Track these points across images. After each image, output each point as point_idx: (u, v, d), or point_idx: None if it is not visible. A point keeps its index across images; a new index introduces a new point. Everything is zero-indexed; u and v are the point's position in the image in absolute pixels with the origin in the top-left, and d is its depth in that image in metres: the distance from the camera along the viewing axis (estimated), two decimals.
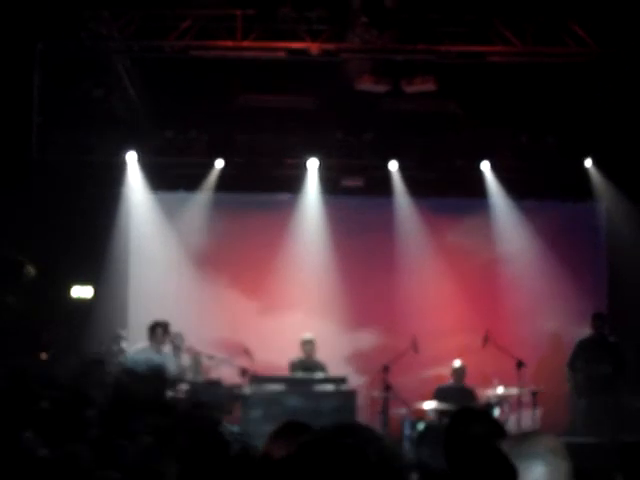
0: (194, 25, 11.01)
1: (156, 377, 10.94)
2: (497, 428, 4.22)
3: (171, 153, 13.61)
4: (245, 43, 11.04)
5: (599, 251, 14.24)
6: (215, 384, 11.20)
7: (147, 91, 12.64)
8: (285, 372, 12.02)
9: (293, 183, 13.89)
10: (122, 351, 12.25)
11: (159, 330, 11.38)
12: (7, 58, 10.65)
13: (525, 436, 3.27)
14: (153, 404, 10.44)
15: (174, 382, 11.11)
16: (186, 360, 12.15)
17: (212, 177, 13.78)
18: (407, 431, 11.13)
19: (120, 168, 13.52)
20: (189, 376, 11.80)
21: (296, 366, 12.11)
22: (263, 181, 13.79)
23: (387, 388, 11.45)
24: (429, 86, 11.80)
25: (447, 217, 14.01)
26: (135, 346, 11.56)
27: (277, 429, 4.20)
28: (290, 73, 12.05)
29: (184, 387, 11.15)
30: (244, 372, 11.21)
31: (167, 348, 11.60)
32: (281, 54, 11.21)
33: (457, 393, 12.04)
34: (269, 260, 13.66)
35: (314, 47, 11.09)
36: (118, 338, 12.67)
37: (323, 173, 13.89)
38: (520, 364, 11.67)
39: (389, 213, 13.98)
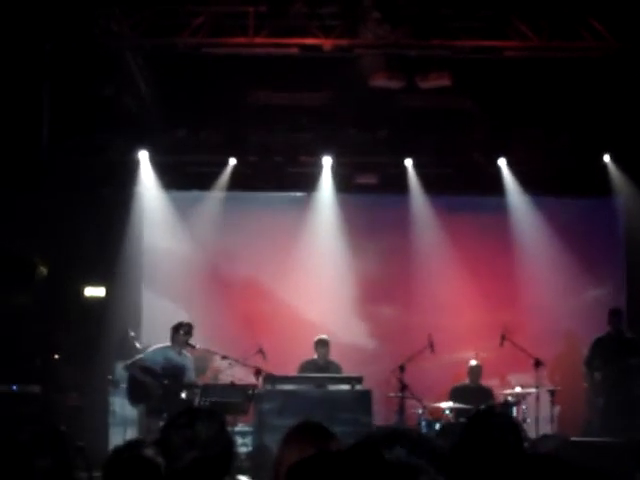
0: (206, 22, 10.93)
1: (172, 377, 10.88)
2: (514, 428, 4.13)
3: (184, 151, 13.57)
4: (257, 40, 10.95)
5: (617, 247, 14.11)
6: (228, 386, 11.11)
7: (159, 89, 12.56)
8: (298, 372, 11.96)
9: (307, 181, 13.82)
10: (136, 350, 12.19)
11: (182, 331, 11.28)
12: (18, 56, 10.59)
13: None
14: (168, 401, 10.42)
15: (191, 384, 11.04)
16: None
17: (225, 175, 13.70)
18: (424, 431, 11.05)
19: (133, 167, 13.48)
20: (207, 377, 11.75)
21: (307, 368, 11.99)
22: (277, 179, 13.73)
23: (403, 387, 11.36)
24: (444, 81, 11.68)
25: (463, 214, 13.88)
26: (156, 345, 11.47)
27: (291, 430, 4.09)
28: (303, 70, 11.95)
29: (198, 390, 11.07)
30: (258, 372, 11.12)
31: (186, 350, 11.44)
32: (294, 50, 11.12)
33: (474, 392, 11.94)
34: (283, 258, 13.59)
35: (327, 43, 11.00)
36: (128, 338, 12.61)
37: (337, 170, 13.81)
38: (538, 363, 11.56)
39: (404, 210, 13.88)
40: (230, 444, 3.54)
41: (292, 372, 11.86)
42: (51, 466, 3.49)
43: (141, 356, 11.36)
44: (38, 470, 3.50)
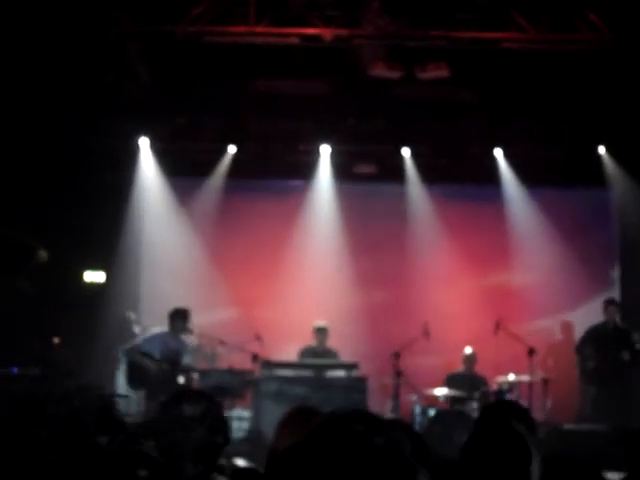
0: (207, 10, 10.98)
1: (170, 362, 10.99)
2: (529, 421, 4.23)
3: (183, 139, 13.63)
4: (258, 29, 10.99)
5: (612, 238, 14.20)
6: (226, 370, 11.24)
7: (159, 76, 12.62)
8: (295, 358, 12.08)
9: (305, 169, 13.88)
10: (133, 335, 12.31)
11: (179, 317, 11.38)
12: (20, 42, 10.64)
13: None
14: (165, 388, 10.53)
15: (187, 369, 11.15)
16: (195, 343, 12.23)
17: (224, 163, 13.79)
18: (418, 417, 11.18)
19: (133, 153, 13.55)
20: (204, 362, 11.87)
21: (306, 354, 12.12)
22: (275, 167, 13.80)
23: (398, 374, 11.48)
24: (442, 72, 11.75)
25: (460, 204, 13.97)
26: (153, 330, 11.58)
27: (286, 415, 4.20)
28: (303, 59, 12.02)
29: (196, 375, 11.19)
30: (255, 357, 11.24)
31: (184, 335, 11.56)
32: (294, 40, 11.16)
33: (468, 380, 12.05)
34: (281, 246, 13.67)
35: (327, 33, 11.04)
36: (128, 322, 12.72)
37: (335, 159, 13.88)
38: (531, 351, 11.67)
39: (401, 200, 13.97)
40: (218, 424, 3.57)
41: (290, 358, 11.98)
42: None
43: (139, 341, 11.47)
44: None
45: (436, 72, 11.76)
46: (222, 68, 12.32)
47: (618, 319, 12.64)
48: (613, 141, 13.48)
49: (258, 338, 11.73)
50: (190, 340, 11.78)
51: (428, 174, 13.83)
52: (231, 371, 11.15)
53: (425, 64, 11.69)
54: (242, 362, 11.50)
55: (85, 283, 13.59)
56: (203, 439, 3.47)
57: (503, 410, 4.26)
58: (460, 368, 12.44)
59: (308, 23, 11.06)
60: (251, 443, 10.50)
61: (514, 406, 4.57)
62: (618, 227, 14.16)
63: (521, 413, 4.28)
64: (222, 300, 13.66)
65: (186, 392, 3.97)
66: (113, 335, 12.66)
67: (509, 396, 11.31)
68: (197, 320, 12.03)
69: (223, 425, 3.65)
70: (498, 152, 13.77)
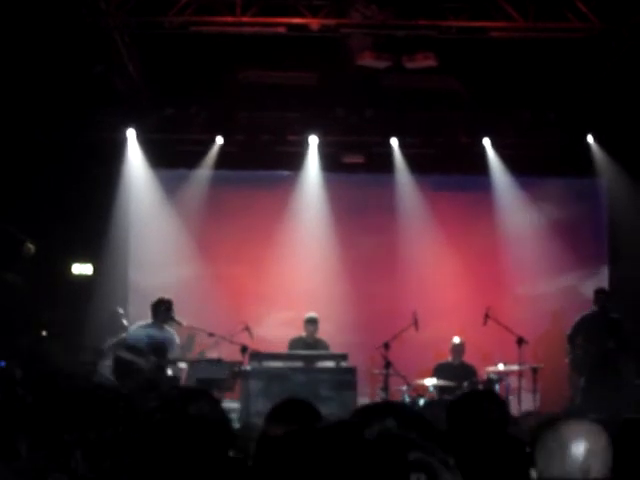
0: (194, 1, 10.92)
1: (157, 354, 10.94)
2: (502, 409, 4.23)
3: (171, 130, 13.57)
4: (245, 18, 10.95)
5: (600, 227, 14.22)
6: (215, 361, 11.21)
7: (147, 67, 12.56)
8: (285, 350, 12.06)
9: (294, 160, 13.84)
10: (123, 327, 12.26)
11: (162, 307, 11.34)
12: (8, 34, 10.56)
13: (558, 419, 3.27)
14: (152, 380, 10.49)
15: (175, 360, 11.11)
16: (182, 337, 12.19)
17: (212, 154, 13.73)
18: None
19: (120, 145, 13.48)
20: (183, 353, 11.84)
21: (296, 345, 12.10)
22: (263, 158, 13.74)
23: (387, 365, 11.47)
24: (430, 62, 11.71)
25: (448, 194, 13.97)
26: (138, 322, 11.54)
27: (276, 406, 4.17)
28: (291, 49, 11.97)
29: (183, 365, 11.16)
30: (244, 349, 11.21)
31: (169, 326, 11.53)
32: (281, 30, 11.12)
33: (457, 370, 12.06)
34: (269, 237, 13.65)
35: (314, 23, 11.00)
36: (116, 315, 12.67)
37: (324, 150, 13.84)
38: (521, 341, 11.68)
39: (390, 190, 13.95)
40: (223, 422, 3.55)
41: (279, 349, 11.97)
42: None
43: (124, 335, 11.45)
44: None
45: (423, 62, 11.72)
46: (210, 59, 12.26)
47: (609, 308, 12.63)
48: (601, 130, 13.49)
49: (247, 329, 11.69)
50: (176, 332, 11.75)
51: (417, 164, 13.81)
52: (220, 363, 11.11)
53: (413, 54, 11.65)
54: (231, 354, 11.46)
55: (73, 276, 13.53)
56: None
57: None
58: (449, 358, 12.44)
59: (295, 13, 11.02)
60: (240, 435, 10.45)
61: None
62: (607, 215, 14.17)
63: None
64: (211, 291, 13.62)
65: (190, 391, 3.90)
66: (102, 328, 12.61)
67: (498, 386, 11.32)
68: (186, 311, 12.00)
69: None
70: (487, 142, 13.76)
